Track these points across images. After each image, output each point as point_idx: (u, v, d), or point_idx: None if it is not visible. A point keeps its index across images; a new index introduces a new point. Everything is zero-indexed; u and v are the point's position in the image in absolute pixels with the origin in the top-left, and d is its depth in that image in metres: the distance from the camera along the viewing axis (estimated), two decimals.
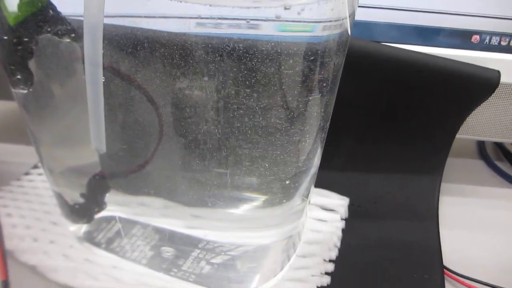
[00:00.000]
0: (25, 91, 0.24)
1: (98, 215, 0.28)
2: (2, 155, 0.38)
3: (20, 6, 0.21)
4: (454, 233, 0.34)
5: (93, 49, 0.18)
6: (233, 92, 0.19)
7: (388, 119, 0.34)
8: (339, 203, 0.33)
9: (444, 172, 0.37)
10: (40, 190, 0.33)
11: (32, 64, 0.23)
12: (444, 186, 0.37)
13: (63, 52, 0.23)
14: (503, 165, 0.42)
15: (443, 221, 0.34)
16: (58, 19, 0.22)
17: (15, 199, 0.32)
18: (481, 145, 0.45)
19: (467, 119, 0.34)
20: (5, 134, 0.41)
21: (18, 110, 0.25)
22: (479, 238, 0.34)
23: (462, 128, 0.35)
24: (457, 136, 0.35)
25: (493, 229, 0.35)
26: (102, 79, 0.19)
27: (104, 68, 0.19)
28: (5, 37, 0.22)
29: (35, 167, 0.36)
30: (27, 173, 0.35)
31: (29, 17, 0.21)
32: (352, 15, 0.21)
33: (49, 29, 0.22)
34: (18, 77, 0.23)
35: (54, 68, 0.24)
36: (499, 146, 0.45)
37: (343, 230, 0.32)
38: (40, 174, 0.35)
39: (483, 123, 0.36)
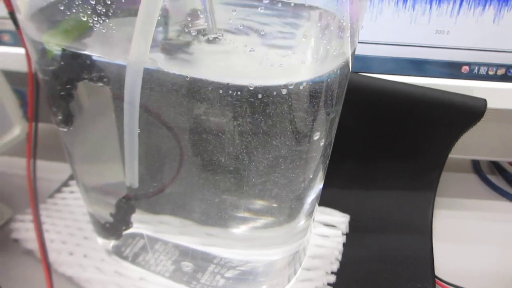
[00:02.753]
0: (66, 130, 0.27)
1: (125, 232, 0.32)
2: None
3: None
4: (447, 245, 0.37)
5: (132, 91, 0.21)
6: (246, 127, 0.22)
7: (384, 143, 0.37)
8: (341, 220, 0.36)
9: (440, 187, 0.40)
10: (72, 207, 0.37)
11: (72, 106, 0.26)
12: (439, 200, 0.40)
13: (97, 94, 0.26)
14: (496, 179, 0.45)
15: (437, 233, 0.37)
16: (94, 67, 0.25)
17: (50, 216, 0.36)
18: (475, 160, 0.48)
19: (460, 139, 0.37)
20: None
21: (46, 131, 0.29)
22: (471, 249, 0.37)
23: (456, 149, 0.38)
24: (451, 155, 0.38)
25: (484, 241, 0.38)
26: (137, 118, 0.22)
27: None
28: (51, 84, 0.26)
29: (66, 185, 0.40)
30: (59, 191, 0.39)
31: (71, 66, 0.25)
32: (353, 52, 0.24)
33: (86, 76, 0.26)
34: (60, 117, 0.27)
35: (89, 108, 0.27)
36: (493, 161, 0.48)
37: (344, 245, 0.35)
38: (71, 192, 0.39)
39: (475, 144, 0.39)
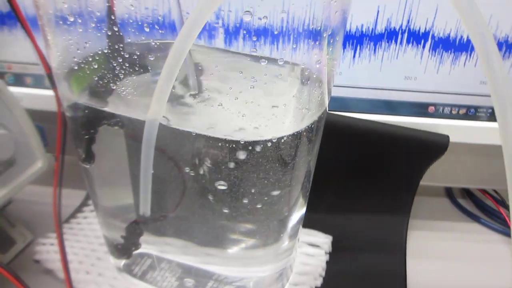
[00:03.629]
0: (88, 167, 0.32)
1: (135, 252, 0.37)
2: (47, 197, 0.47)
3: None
4: (419, 263, 0.42)
5: (149, 140, 0.26)
6: (237, 170, 0.27)
7: (362, 173, 0.42)
8: (324, 240, 0.41)
9: (415, 210, 0.44)
10: (86, 231, 0.42)
11: (94, 147, 0.32)
12: (413, 222, 0.45)
13: (113, 135, 0.31)
14: (466, 203, 0.50)
15: (411, 252, 0.42)
16: (113, 116, 0.30)
17: (68, 239, 0.40)
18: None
19: (432, 169, 0.42)
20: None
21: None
22: (442, 267, 0.42)
23: (428, 177, 0.43)
24: (425, 182, 0.43)
25: (454, 260, 0.43)
26: (152, 161, 0.27)
27: None
28: (76, 129, 0.31)
29: (80, 211, 0.45)
30: (74, 217, 0.44)
31: (94, 117, 0.30)
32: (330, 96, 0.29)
33: (106, 122, 0.31)
34: (83, 156, 0.32)
35: (106, 146, 0.32)
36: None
37: (327, 262, 0.39)
38: (85, 218, 0.44)
39: (445, 173, 0.44)
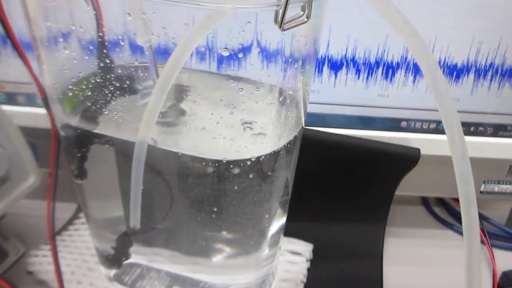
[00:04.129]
0: (80, 182, 0.34)
1: (125, 262, 0.38)
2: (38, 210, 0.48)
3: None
4: (396, 268, 0.44)
5: (138, 159, 0.28)
6: (219, 186, 0.30)
7: (341, 184, 0.45)
8: (305, 248, 0.43)
9: (391, 218, 0.47)
10: (78, 243, 0.43)
11: (86, 164, 0.33)
12: (390, 230, 0.47)
13: (104, 152, 0.33)
14: (440, 211, 0.53)
15: (388, 258, 0.44)
16: (102, 135, 0.32)
17: (60, 251, 0.42)
18: None
19: (407, 179, 0.45)
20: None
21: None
22: (417, 272, 0.44)
23: (404, 187, 0.46)
24: (402, 192, 0.46)
25: (429, 265, 0.45)
26: (142, 178, 0.29)
27: None
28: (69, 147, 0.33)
29: (71, 223, 0.46)
30: (65, 229, 0.46)
31: (86, 136, 0.32)
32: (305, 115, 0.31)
33: (97, 141, 0.33)
34: (76, 173, 0.34)
35: (97, 163, 0.34)
36: None
37: (308, 269, 0.42)
38: (76, 230, 0.45)
39: (419, 183, 0.47)
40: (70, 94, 0.30)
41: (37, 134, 0.41)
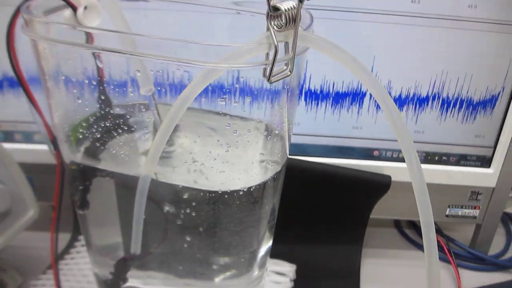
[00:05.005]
0: (81, 213, 0.37)
1: (122, 286, 0.41)
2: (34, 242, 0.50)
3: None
4: (372, 287, 0.48)
5: (141, 192, 0.31)
6: (213, 213, 0.33)
7: (319, 209, 0.49)
8: (289, 269, 0.47)
9: (367, 239, 0.51)
10: (74, 271, 0.46)
11: (88, 196, 0.36)
12: (366, 251, 0.51)
13: (106, 185, 0.36)
14: (412, 233, 0.57)
15: (364, 277, 0.48)
16: (104, 171, 0.35)
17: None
18: None
19: (381, 204, 0.49)
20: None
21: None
22: None
23: (378, 211, 0.50)
24: (376, 216, 0.50)
25: (402, 283, 0.49)
26: (144, 208, 0.32)
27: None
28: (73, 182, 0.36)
29: (67, 252, 0.49)
30: (61, 258, 0.48)
31: (89, 171, 0.35)
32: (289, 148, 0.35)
33: (98, 174, 0.36)
34: (79, 204, 0.37)
35: (99, 195, 0.37)
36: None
37: None
38: (72, 259, 0.48)
39: (392, 207, 0.51)
40: (76, 133, 0.34)
41: (33, 169, 0.44)
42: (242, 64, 0.23)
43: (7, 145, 0.45)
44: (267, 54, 0.24)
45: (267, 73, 0.24)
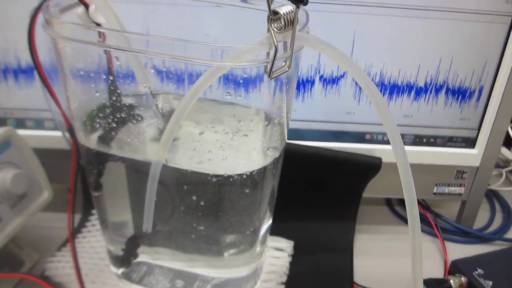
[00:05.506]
0: (96, 194, 0.40)
1: (133, 261, 0.44)
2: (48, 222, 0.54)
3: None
4: (364, 260, 0.52)
5: (153, 176, 0.34)
6: (219, 194, 0.36)
7: (316, 189, 0.52)
8: (287, 245, 0.50)
9: (360, 217, 0.55)
10: (87, 249, 0.49)
11: (101, 179, 0.40)
12: (359, 227, 0.55)
13: (117, 169, 0.39)
14: (401, 210, 0.61)
15: (357, 252, 0.52)
16: (115, 156, 0.38)
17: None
18: None
19: (373, 184, 0.52)
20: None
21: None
22: (382, 262, 0.52)
23: (370, 190, 0.53)
24: (369, 194, 0.54)
25: (392, 256, 0.53)
26: (155, 190, 0.35)
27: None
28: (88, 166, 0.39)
29: (79, 232, 0.52)
30: (74, 237, 0.51)
31: (102, 156, 0.38)
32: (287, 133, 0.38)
33: (111, 159, 0.39)
34: (93, 186, 0.40)
35: (112, 177, 0.40)
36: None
37: (290, 263, 0.49)
38: (84, 237, 0.51)
39: (384, 186, 0.54)
40: (90, 121, 0.37)
41: (44, 154, 0.47)
42: (246, 62, 0.26)
43: (20, 132, 0.48)
44: (268, 53, 0.27)
45: (268, 70, 0.27)
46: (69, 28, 0.30)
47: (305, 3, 0.25)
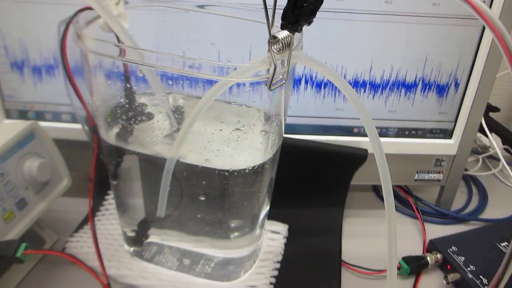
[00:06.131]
0: (114, 183, 0.46)
1: (145, 241, 0.50)
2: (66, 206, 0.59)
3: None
4: (352, 241, 0.57)
5: (168, 170, 0.39)
6: (224, 186, 0.41)
7: (308, 178, 0.58)
8: (282, 228, 0.56)
9: (348, 202, 0.60)
10: (102, 231, 0.54)
11: (119, 169, 0.45)
12: (347, 211, 0.60)
13: (133, 161, 0.45)
14: None
15: (346, 234, 0.58)
16: (132, 151, 0.43)
17: (89, 237, 0.53)
18: None
19: (361, 172, 0.58)
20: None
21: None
22: (368, 243, 0.57)
23: (357, 178, 0.59)
24: (357, 182, 0.59)
25: (377, 238, 0.58)
26: (169, 181, 0.40)
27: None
28: (107, 158, 0.44)
29: (94, 216, 0.57)
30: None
31: (120, 150, 0.43)
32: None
33: (127, 152, 0.44)
34: (112, 175, 0.45)
35: (128, 168, 0.45)
36: None
37: (285, 244, 0.54)
38: (99, 220, 0.56)
39: (370, 174, 0.59)
40: (111, 119, 0.42)
41: (61, 144, 0.52)
42: (250, 78, 0.31)
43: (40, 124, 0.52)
44: (268, 69, 0.32)
45: (268, 83, 0.32)
46: (95, 42, 0.35)
47: (299, 31, 0.30)
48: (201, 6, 0.42)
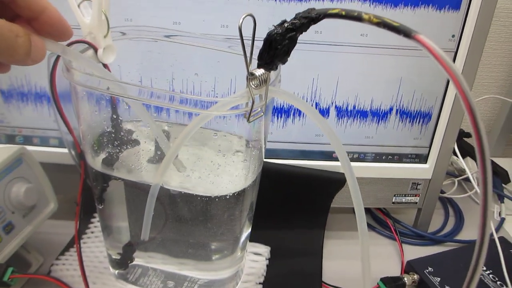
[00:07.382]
0: (100, 207, 0.47)
1: (130, 264, 0.51)
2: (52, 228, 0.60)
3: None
4: (332, 262, 0.59)
5: (153, 194, 0.41)
6: (206, 211, 0.43)
7: (289, 201, 0.59)
8: (264, 250, 0.57)
9: (329, 224, 0.62)
10: (87, 253, 0.55)
11: (104, 194, 0.46)
12: (328, 233, 0.62)
13: (118, 186, 0.46)
14: (367, 218, 0.68)
15: (326, 255, 0.59)
16: (117, 177, 0.45)
17: (75, 260, 0.54)
18: None
19: (341, 194, 0.60)
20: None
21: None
22: (348, 264, 0.59)
23: (337, 200, 0.61)
24: (337, 205, 0.61)
25: (357, 259, 0.60)
26: (153, 206, 0.42)
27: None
28: (94, 184, 0.45)
29: (80, 238, 0.58)
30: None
31: (106, 176, 0.45)
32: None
33: (113, 178, 0.46)
34: (97, 199, 0.46)
35: (113, 194, 0.47)
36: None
37: (267, 266, 0.56)
38: (84, 243, 0.57)
39: (347, 197, 0.61)
40: (97, 146, 0.43)
41: (48, 168, 0.53)
42: (229, 111, 0.33)
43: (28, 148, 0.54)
44: (247, 103, 0.34)
45: (247, 116, 0.34)
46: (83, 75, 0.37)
47: (275, 69, 0.32)
48: (168, 36, 0.44)
